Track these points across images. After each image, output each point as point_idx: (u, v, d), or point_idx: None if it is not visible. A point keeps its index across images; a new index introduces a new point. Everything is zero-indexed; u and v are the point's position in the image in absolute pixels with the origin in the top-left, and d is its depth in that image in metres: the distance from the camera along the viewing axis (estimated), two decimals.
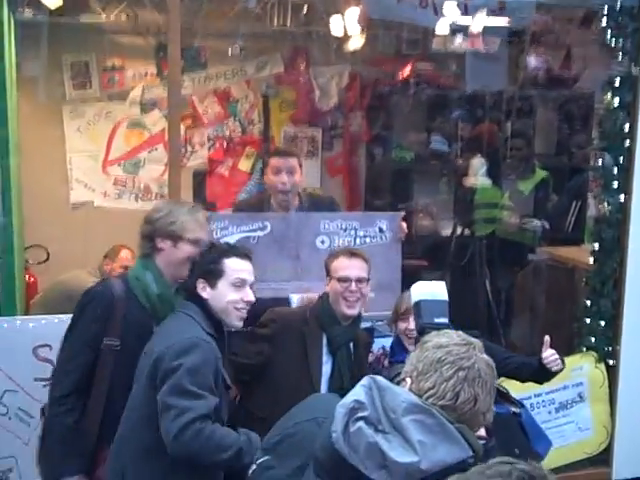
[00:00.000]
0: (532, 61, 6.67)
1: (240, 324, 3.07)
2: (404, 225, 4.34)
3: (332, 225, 4.26)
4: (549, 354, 3.54)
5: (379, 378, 1.98)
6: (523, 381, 3.69)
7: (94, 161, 5.74)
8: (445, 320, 2.63)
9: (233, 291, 3.01)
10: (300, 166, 4.31)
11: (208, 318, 2.99)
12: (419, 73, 6.48)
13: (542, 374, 3.61)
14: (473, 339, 2.18)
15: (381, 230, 4.29)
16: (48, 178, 5.56)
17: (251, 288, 3.08)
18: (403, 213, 4.45)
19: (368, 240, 4.29)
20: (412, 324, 3.51)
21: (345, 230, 4.28)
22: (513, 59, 6.73)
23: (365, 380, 1.96)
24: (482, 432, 2.31)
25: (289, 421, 2.28)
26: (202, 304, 3.01)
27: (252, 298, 3.06)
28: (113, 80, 5.75)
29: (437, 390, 2.03)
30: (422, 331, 2.52)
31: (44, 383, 3.69)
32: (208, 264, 3.05)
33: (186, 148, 5.89)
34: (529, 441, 3.57)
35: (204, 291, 3.02)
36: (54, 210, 5.53)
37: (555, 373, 3.60)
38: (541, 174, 6.58)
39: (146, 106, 5.80)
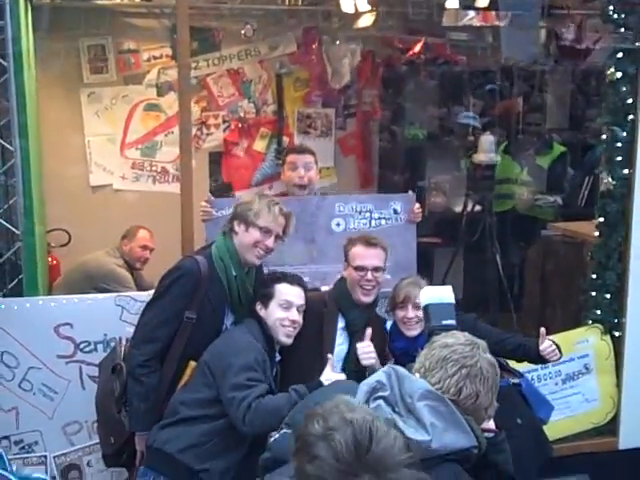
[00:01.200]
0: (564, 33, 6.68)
1: (287, 340, 3.49)
2: (418, 207, 4.39)
3: (347, 207, 4.33)
4: (547, 346, 3.59)
5: (399, 367, 2.16)
6: (519, 361, 3.77)
7: (112, 144, 5.84)
8: (452, 322, 2.78)
9: (281, 311, 3.48)
10: (316, 163, 4.48)
11: (263, 333, 3.46)
12: (431, 50, 6.53)
13: (539, 361, 3.70)
14: (478, 340, 2.36)
15: (395, 212, 4.35)
16: (68, 162, 5.67)
17: (299, 311, 3.48)
18: (415, 193, 4.49)
19: (383, 222, 4.35)
20: (410, 312, 3.63)
21: (360, 212, 4.35)
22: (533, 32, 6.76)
23: (386, 367, 2.16)
24: (492, 425, 2.46)
25: (311, 401, 2.48)
26: (259, 321, 3.49)
27: (298, 318, 3.50)
28: (129, 62, 5.83)
29: (442, 385, 2.22)
30: (431, 333, 2.67)
31: (66, 360, 3.88)
32: (264, 288, 3.55)
33: (202, 130, 5.99)
34: (531, 409, 3.67)
35: (260, 311, 3.51)
36: (74, 193, 5.66)
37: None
38: (559, 149, 6.62)
39: (162, 89, 5.89)
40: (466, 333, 2.43)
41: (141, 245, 5.41)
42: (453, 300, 2.91)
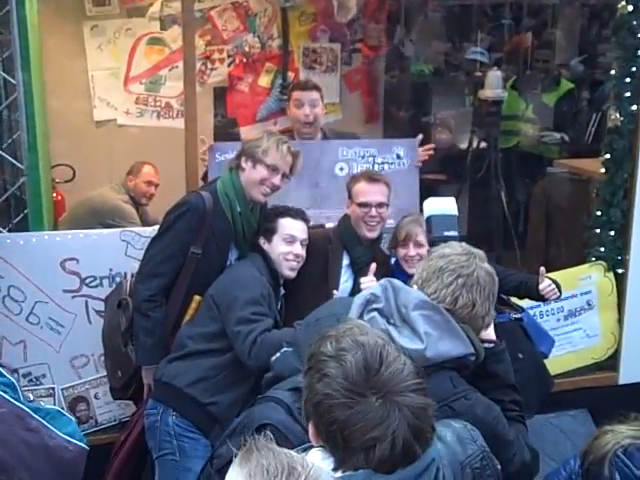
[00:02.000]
0: None
1: (291, 274, 3.52)
2: (421, 151, 4.37)
3: (350, 152, 4.32)
4: (546, 285, 3.60)
5: (395, 280, 2.17)
6: (521, 298, 3.79)
7: (116, 78, 5.77)
8: (455, 233, 2.76)
9: (284, 245, 3.51)
10: (322, 99, 4.44)
11: (267, 267, 3.49)
12: None
13: (540, 299, 3.72)
14: (475, 249, 2.34)
15: (399, 156, 4.33)
16: (71, 97, 5.61)
17: (302, 245, 3.52)
18: (420, 138, 4.46)
19: (386, 167, 4.34)
20: (412, 250, 3.64)
21: (363, 157, 4.34)
22: None
23: (382, 280, 2.17)
24: (492, 335, 2.47)
25: (312, 318, 2.52)
26: (263, 255, 3.51)
27: (301, 252, 3.51)
28: None
29: (438, 295, 2.22)
30: (433, 244, 2.66)
31: (72, 294, 3.91)
32: (267, 223, 3.56)
33: (206, 65, 5.92)
34: (533, 343, 3.70)
35: (264, 245, 3.53)
36: (78, 129, 5.60)
37: None
38: (567, 85, 6.55)
39: (165, 22, 5.80)
40: (464, 243, 2.42)
41: (146, 181, 5.41)
42: (456, 212, 2.89)
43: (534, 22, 6.87)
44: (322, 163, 4.25)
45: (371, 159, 4.34)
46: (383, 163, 4.35)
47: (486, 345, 2.35)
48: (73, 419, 2.44)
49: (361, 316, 2.09)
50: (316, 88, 4.51)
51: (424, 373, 1.60)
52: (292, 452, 1.47)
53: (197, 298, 3.48)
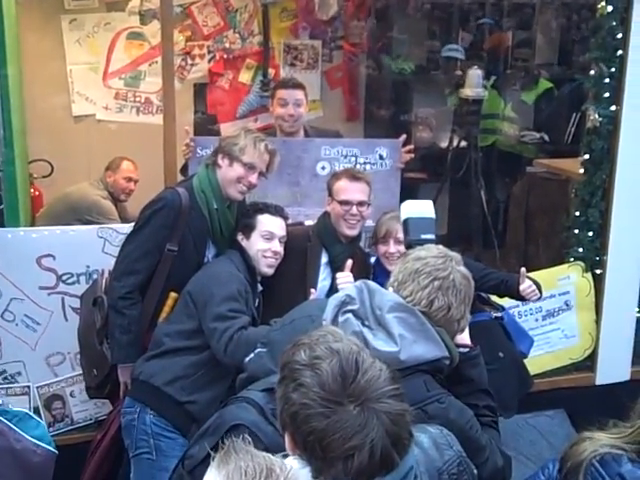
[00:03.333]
0: None
1: (268, 271, 3.51)
2: (407, 149, 4.36)
3: (333, 151, 4.30)
4: (526, 286, 3.61)
5: (371, 282, 2.16)
6: (501, 297, 3.80)
7: (94, 73, 5.73)
8: (431, 236, 2.75)
9: (263, 242, 3.49)
10: (306, 97, 4.43)
11: (245, 263, 3.46)
12: None
13: (520, 299, 3.73)
14: (452, 252, 2.33)
15: (381, 157, 4.31)
16: (49, 91, 5.57)
17: (280, 242, 3.50)
18: (403, 139, 4.44)
19: (368, 167, 4.31)
20: (392, 247, 3.63)
21: (345, 157, 4.32)
22: None
23: (358, 282, 2.15)
24: (466, 340, 2.46)
25: (288, 319, 2.51)
26: (241, 251, 3.48)
27: (279, 249, 3.49)
28: None
29: (414, 297, 2.20)
30: (409, 246, 2.65)
31: (48, 291, 3.87)
32: (246, 219, 3.55)
33: (186, 60, 5.88)
34: (512, 342, 3.72)
35: (242, 241, 3.52)
36: (56, 124, 5.56)
37: None
38: (545, 84, 6.57)
39: (145, 17, 5.76)
40: (440, 246, 2.41)
41: (125, 177, 5.37)
42: (433, 215, 2.88)
43: (514, 21, 6.88)
44: (304, 161, 4.23)
45: (353, 159, 4.32)
46: (365, 163, 4.33)
47: (461, 349, 2.34)
48: (42, 422, 2.41)
49: (336, 317, 2.08)
50: (300, 87, 4.49)
51: (400, 378, 1.58)
52: (270, 455, 1.45)
53: (173, 295, 3.46)
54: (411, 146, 4.45)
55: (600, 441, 1.81)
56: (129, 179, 5.38)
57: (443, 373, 2.20)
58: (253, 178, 3.50)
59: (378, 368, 1.53)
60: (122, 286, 3.42)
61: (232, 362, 3.14)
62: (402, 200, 4.24)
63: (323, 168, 4.30)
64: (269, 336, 2.53)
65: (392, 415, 1.48)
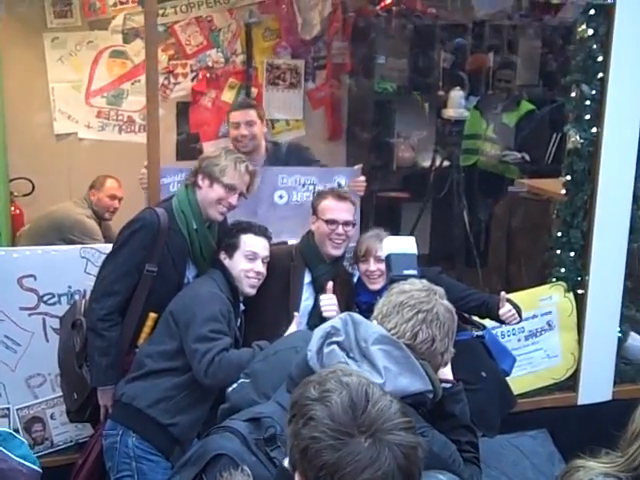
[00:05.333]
0: None
1: (251, 291, 3.49)
2: (362, 180, 4.33)
3: (290, 180, 4.26)
4: (506, 310, 3.63)
5: (355, 314, 2.16)
6: (482, 318, 3.81)
7: (77, 91, 5.71)
8: (414, 272, 2.78)
9: (246, 262, 3.48)
10: (261, 118, 4.40)
11: (228, 283, 3.44)
12: (405, 1, 6.45)
13: (500, 321, 3.75)
14: (436, 287, 2.37)
15: (340, 185, 4.25)
16: (31, 109, 5.55)
17: (263, 262, 3.48)
18: (360, 167, 4.43)
19: None
20: (372, 266, 3.64)
21: (303, 185, 4.29)
22: None
23: (343, 314, 2.15)
24: (449, 375, 2.49)
25: (271, 350, 2.50)
26: (223, 271, 3.47)
27: (262, 270, 3.48)
28: (94, 7, 5.66)
29: (398, 330, 2.22)
30: (392, 282, 2.66)
31: (29, 312, 3.83)
32: (229, 238, 3.53)
33: (169, 79, 5.88)
34: (495, 360, 3.72)
35: (225, 261, 3.50)
36: (38, 142, 5.54)
37: None
38: (526, 106, 6.62)
39: (128, 36, 5.76)
40: (424, 280, 2.44)
41: (109, 195, 5.34)
42: (415, 251, 2.91)
43: (496, 43, 6.94)
44: (261, 190, 4.09)
45: (312, 187, 4.29)
46: None
47: (444, 385, 2.36)
48: (25, 441, 2.38)
49: (321, 348, 2.06)
50: (251, 106, 4.49)
51: (409, 413, 1.56)
52: None
53: (153, 316, 3.44)
54: (363, 177, 4.38)
55: (593, 470, 1.80)
56: (113, 197, 5.36)
57: (427, 407, 2.20)
58: (233, 199, 3.50)
59: (388, 399, 1.51)
60: (101, 308, 3.39)
61: (213, 384, 3.14)
62: (387, 217, 4.30)
63: (281, 197, 4.28)
64: (252, 367, 2.51)
65: (404, 448, 1.44)
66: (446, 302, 2.33)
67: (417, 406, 2.14)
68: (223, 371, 3.08)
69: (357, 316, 2.16)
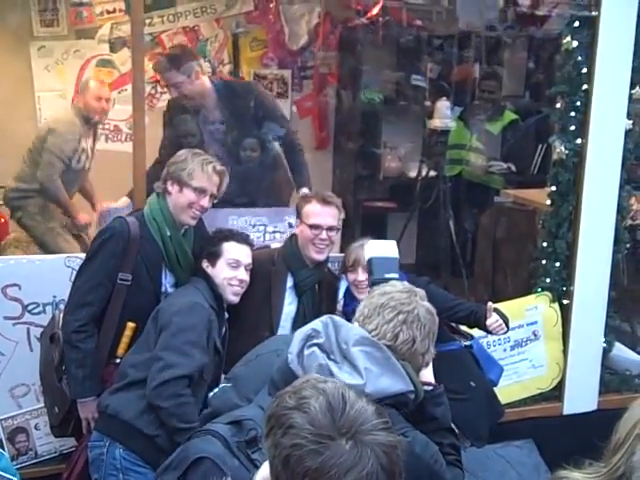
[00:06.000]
0: None
1: (234, 299, 3.46)
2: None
3: (240, 221, 4.24)
4: (493, 321, 3.63)
5: (336, 317, 2.17)
6: (470, 327, 3.81)
7: (63, 100, 5.71)
8: (395, 275, 2.79)
9: (229, 269, 3.45)
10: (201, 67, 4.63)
11: (211, 291, 3.42)
12: (390, 13, 6.47)
13: (488, 331, 3.75)
14: (416, 289, 2.39)
15: (291, 225, 4.21)
16: (17, 117, 5.51)
17: (246, 269, 3.47)
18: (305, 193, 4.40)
19: (278, 236, 4.28)
20: (360, 275, 3.62)
21: (254, 226, 4.27)
22: None
23: (324, 317, 2.15)
24: (430, 378, 2.49)
25: (253, 354, 2.51)
26: (207, 279, 3.44)
27: (245, 277, 3.46)
28: (81, 16, 5.67)
29: (379, 331, 2.24)
30: (373, 285, 2.67)
31: (13, 321, 3.81)
32: (211, 246, 3.50)
33: (156, 89, 5.88)
34: (482, 371, 3.73)
35: (207, 269, 3.47)
36: (24, 150, 5.50)
37: None
38: (510, 116, 6.66)
39: (115, 45, 5.75)
40: (405, 282, 2.48)
41: (94, 96, 5.26)
42: (397, 255, 2.92)
43: (482, 53, 6.98)
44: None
45: (262, 228, 4.28)
46: (275, 232, 4.30)
47: (425, 387, 2.37)
48: (5, 453, 2.36)
49: (301, 351, 2.08)
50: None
51: (387, 414, 1.57)
52: None
53: (131, 325, 3.41)
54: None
55: None
56: (99, 98, 5.27)
57: (408, 407, 2.20)
58: (205, 202, 3.48)
59: (365, 401, 1.51)
60: (75, 319, 3.35)
61: (152, 400, 3.10)
62: (373, 227, 4.29)
63: None
64: (234, 371, 2.52)
65: (385, 447, 1.45)
66: (427, 304, 2.35)
67: (399, 407, 2.15)
68: (170, 405, 3.06)
69: (338, 318, 2.18)
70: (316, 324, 2.15)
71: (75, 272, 3.80)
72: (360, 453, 1.42)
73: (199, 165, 3.46)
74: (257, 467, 1.79)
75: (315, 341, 2.08)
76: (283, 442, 1.46)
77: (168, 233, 3.47)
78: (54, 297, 3.83)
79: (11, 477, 2.26)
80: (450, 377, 2.71)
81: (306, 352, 2.07)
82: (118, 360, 3.41)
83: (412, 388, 2.16)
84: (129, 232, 3.39)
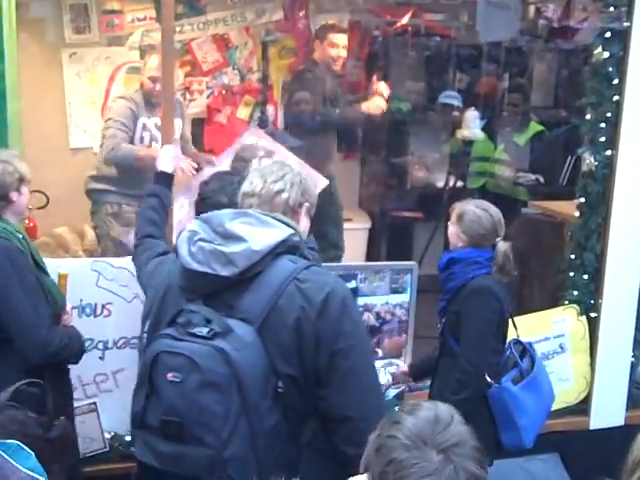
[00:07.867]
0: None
1: None
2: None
3: None
4: None
5: (204, 214, 2.40)
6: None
7: (93, 106, 5.77)
8: None
9: None
10: None
11: None
12: (420, 23, 6.48)
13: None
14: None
15: None
16: (47, 123, 5.59)
17: None
18: None
19: None
20: None
21: None
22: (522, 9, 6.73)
23: (193, 220, 2.39)
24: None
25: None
26: None
27: None
28: (112, 24, 5.72)
29: (256, 190, 2.47)
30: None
31: None
32: None
33: (185, 96, 5.93)
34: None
35: None
36: (54, 155, 5.55)
37: None
38: (535, 127, 6.63)
39: (145, 52, 5.79)
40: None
41: (150, 76, 5.15)
42: None
43: (510, 64, 6.95)
44: None
45: None
46: None
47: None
48: (33, 454, 2.37)
49: (190, 251, 2.26)
50: None
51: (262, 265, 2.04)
52: None
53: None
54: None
55: None
56: (155, 79, 5.06)
57: (302, 251, 2.36)
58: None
59: (469, 431, 1.60)
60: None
61: None
62: (399, 237, 4.26)
63: None
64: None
65: (469, 475, 1.52)
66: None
67: (293, 251, 2.31)
68: None
69: (203, 215, 2.38)
70: (190, 226, 2.34)
71: (100, 276, 3.85)
72: (445, 468, 1.50)
73: None
74: None
75: (197, 237, 2.28)
76: (384, 433, 1.59)
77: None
78: (81, 300, 3.85)
79: (38, 477, 2.27)
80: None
81: (194, 249, 2.25)
82: None
83: (291, 231, 2.32)
84: None
